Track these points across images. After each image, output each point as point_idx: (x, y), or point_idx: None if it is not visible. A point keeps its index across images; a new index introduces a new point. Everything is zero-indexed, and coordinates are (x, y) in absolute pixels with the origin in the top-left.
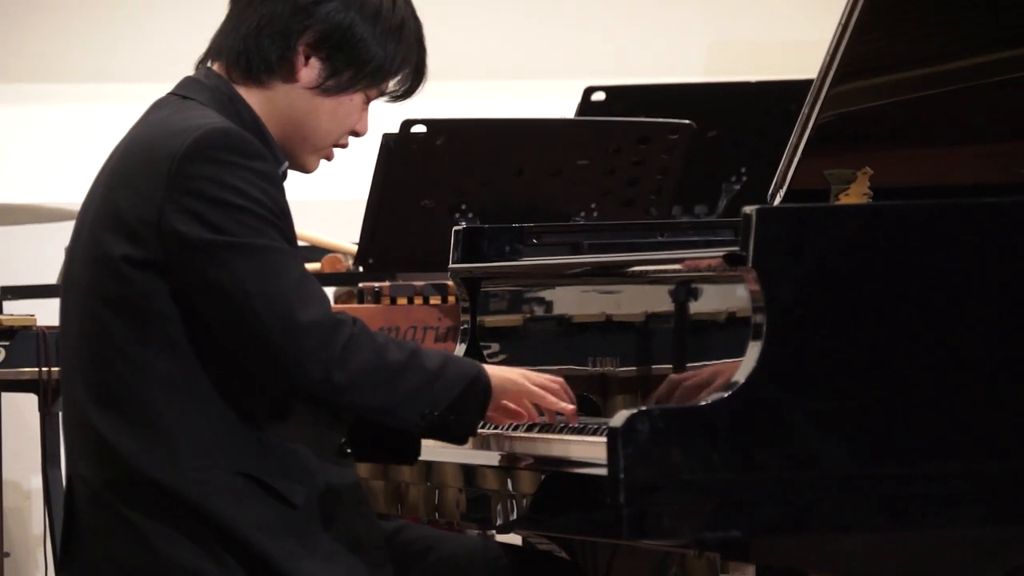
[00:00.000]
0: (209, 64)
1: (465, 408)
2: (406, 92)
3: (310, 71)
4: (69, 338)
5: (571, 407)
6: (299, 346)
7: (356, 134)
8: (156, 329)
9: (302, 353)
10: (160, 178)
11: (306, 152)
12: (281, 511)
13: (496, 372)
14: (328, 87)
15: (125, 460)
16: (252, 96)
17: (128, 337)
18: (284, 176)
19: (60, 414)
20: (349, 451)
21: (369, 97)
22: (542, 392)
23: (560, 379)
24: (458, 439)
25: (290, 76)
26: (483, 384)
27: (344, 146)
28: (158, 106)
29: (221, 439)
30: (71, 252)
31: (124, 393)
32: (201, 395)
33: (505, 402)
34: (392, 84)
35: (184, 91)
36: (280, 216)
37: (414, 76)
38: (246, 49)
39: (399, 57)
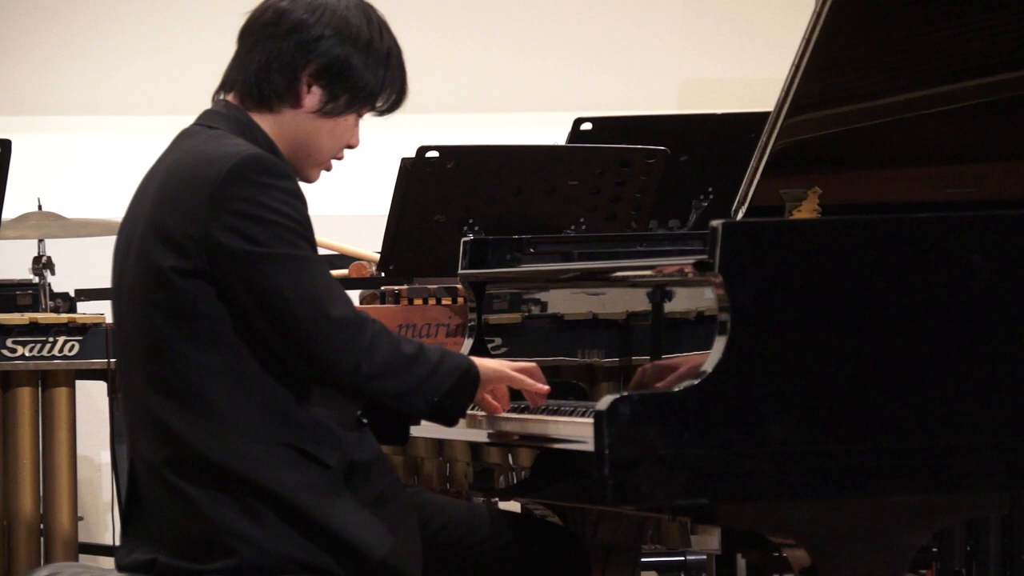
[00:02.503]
0: (223, 95)
1: (459, 395)
2: (391, 108)
3: (312, 98)
4: (126, 339)
5: (545, 388)
6: (332, 341)
7: (350, 147)
8: (202, 328)
9: (335, 347)
10: (204, 199)
11: (309, 166)
12: (318, 472)
13: (482, 363)
14: (328, 110)
15: (180, 440)
16: (264, 121)
17: (178, 336)
18: None
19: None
20: (364, 421)
21: (360, 115)
22: (520, 377)
23: (534, 364)
24: (451, 421)
25: (296, 103)
26: (473, 374)
27: (340, 159)
28: (186, 135)
29: (262, 417)
30: (120, 266)
31: (178, 383)
32: (243, 381)
33: (486, 395)
34: (380, 103)
35: (209, 121)
36: (306, 227)
37: (398, 95)
38: (258, 81)
39: (387, 81)
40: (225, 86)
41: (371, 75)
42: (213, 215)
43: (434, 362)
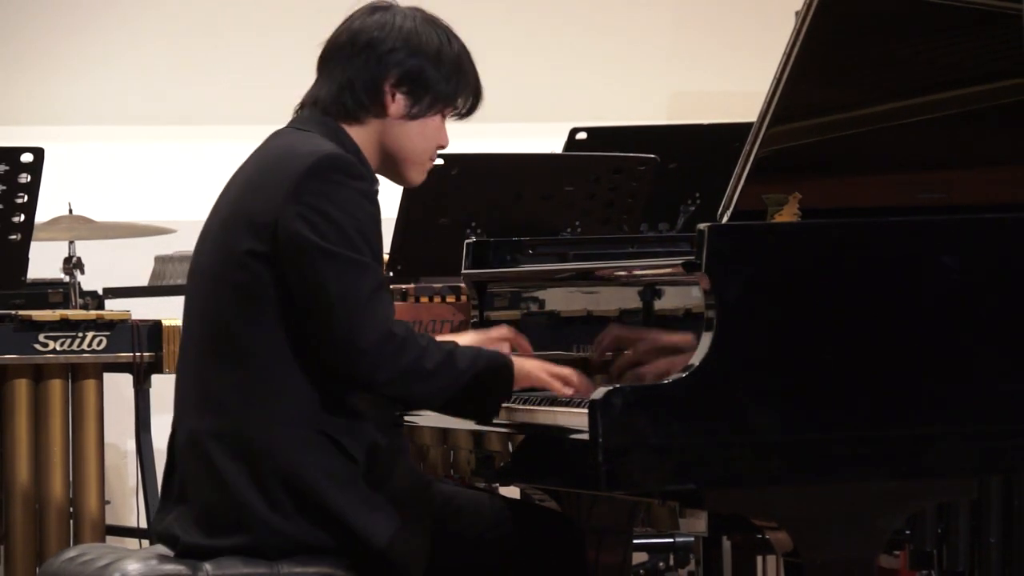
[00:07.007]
0: (304, 112)
1: (491, 395)
2: (470, 110)
3: (398, 105)
4: (192, 315)
5: (570, 393)
6: (355, 343)
7: (441, 147)
8: (265, 309)
9: (357, 350)
10: (283, 188)
11: (407, 169)
12: (344, 463)
13: (520, 364)
14: (414, 113)
15: (226, 412)
16: (352, 132)
17: (242, 315)
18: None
19: (151, 390)
20: (403, 419)
21: (444, 116)
22: (552, 381)
23: (574, 370)
24: (486, 419)
25: (382, 112)
26: (506, 376)
27: (433, 160)
28: (277, 135)
29: (305, 402)
30: (198, 250)
31: (236, 359)
32: (293, 366)
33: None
34: (460, 104)
35: (300, 125)
36: (368, 233)
37: (474, 95)
38: (343, 96)
39: (462, 82)
40: (307, 102)
41: (445, 82)
42: (288, 203)
43: (463, 369)
